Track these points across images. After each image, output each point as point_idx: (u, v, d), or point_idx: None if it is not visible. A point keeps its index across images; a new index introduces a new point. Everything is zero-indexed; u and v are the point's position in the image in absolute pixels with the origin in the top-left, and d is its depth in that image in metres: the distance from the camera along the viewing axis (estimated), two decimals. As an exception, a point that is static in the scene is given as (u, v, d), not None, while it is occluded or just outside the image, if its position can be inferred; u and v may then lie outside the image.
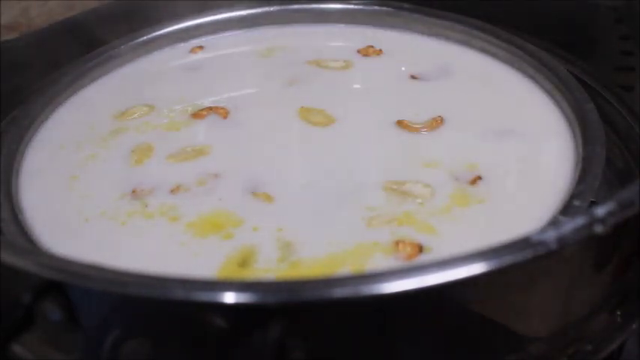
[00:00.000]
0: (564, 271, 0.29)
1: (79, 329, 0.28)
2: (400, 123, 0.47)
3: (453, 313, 0.28)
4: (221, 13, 0.59)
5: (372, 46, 0.56)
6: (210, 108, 0.50)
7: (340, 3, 0.60)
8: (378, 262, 0.37)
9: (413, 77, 0.53)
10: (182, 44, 0.58)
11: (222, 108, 0.50)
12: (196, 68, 0.56)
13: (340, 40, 0.58)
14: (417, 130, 0.47)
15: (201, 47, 0.58)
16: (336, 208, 0.41)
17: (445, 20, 0.56)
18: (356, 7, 0.59)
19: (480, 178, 0.43)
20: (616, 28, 0.53)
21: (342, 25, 0.59)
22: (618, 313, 0.33)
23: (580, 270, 0.30)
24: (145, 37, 0.57)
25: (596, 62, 0.53)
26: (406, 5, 0.58)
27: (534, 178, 0.43)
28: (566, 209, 0.38)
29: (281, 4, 0.60)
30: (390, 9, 0.58)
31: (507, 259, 0.26)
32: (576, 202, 0.38)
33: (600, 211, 0.28)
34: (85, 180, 0.45)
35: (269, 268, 0.38)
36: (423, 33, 0.57)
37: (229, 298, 0.26)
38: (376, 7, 0.59)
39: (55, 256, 0.36)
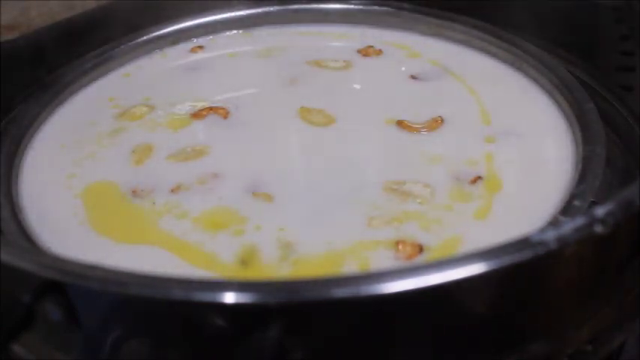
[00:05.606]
0: (564, 271, 0.29)
1: (79, 329, 0.28)
2: (400, 123, 0.47)
3: (453, 313, 0.28)
4: (221, 13, 0.59)
5: (372, 46, 0.56)
6: (210, 108, 0.50)
7: (340, 3, 0.60)
8: (378, 262, 0.37)
9: (413, 77, 0.53)
10: (182, 44, 0.58)
11: (222, 108, 0.50)
12: (196, 68, 0.56)
13: (340, 40, 0.58)
14: (417, 130, 0.47)
15: (201, 47, 0.58)
16: (336, 208, 0.41)
17: (445, 20, 0.56)
18: (356, 7, 0.59)
19: (479, 177, 0.43)
20: (616, 28, 0.53)
21: (342, 25, 0.59)
22: (618, 313, 0.33)
23: (580, 270, 0.30)
24: (145, 37, 0.57)
25: (596, 62, 0.53)
26: (406, 5, 0.58)
27: (534, 178, 0.43)
28: (566, 209, 0.38)
29: (281, 4, 0.60)
30: (390, 9, 0.58)
31: (507, 259, 0.26)
32: (576, 202, 0.38)
33: (600, 211, 0.28)
34: (85, 180, 0.45)
35: (270, 267, 0.38)
36: (423, 33, 0.57)
37: (229, 298, 0.26)
38: (376, 7, 0.59)
39: (55, 256, 0.36)
